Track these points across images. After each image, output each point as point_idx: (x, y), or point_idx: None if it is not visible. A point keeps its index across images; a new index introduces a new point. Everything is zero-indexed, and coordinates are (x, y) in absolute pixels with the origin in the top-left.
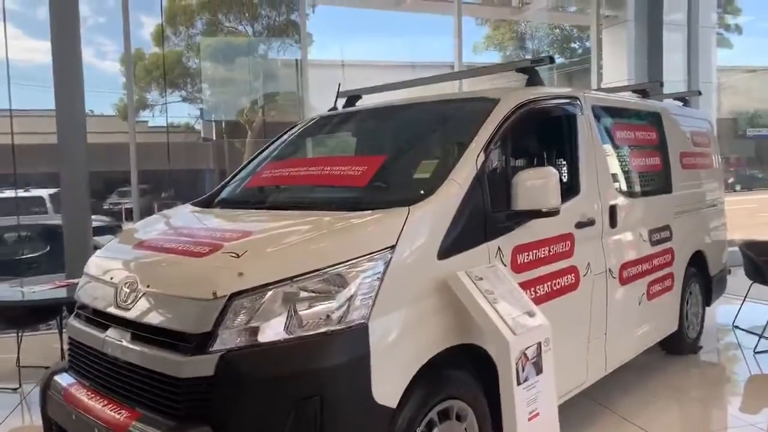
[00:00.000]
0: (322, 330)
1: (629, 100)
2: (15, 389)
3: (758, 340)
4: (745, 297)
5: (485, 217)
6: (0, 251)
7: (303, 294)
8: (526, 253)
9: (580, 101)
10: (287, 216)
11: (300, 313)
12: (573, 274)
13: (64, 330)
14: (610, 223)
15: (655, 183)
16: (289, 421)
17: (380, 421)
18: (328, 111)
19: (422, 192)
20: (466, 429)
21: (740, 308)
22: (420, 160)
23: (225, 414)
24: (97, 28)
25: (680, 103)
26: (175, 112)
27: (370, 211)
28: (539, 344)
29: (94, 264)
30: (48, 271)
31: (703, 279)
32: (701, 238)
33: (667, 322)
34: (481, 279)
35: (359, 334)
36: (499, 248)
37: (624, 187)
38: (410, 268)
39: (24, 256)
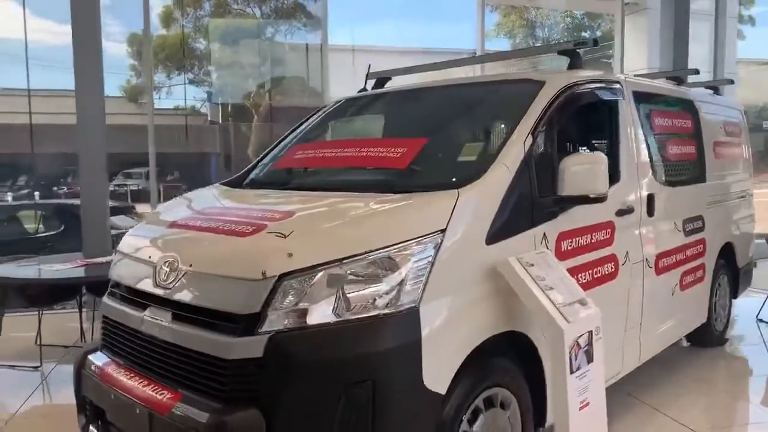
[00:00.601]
0: (373, 313)
1: (667, 86)
2: (36, 368)
3: None
4: None
5: (532, 202)
6: (16, 229)
7: (352, 276)
8: (570, 240)
9: (621, 86)
10: (328, 197)
11: (349, 295)
12: (612, 263)
13: (84, 309)
14: (648, 211)
15: (690, 172)
16: (341, 404)
17: (430, 407)
18: (359, 92)
19: (470, 175)
20: (509, 418)
21: (765, 301)
22: (463, 143)
23: (273, 396)
24: (101, 8)
25: (711, 92)
26: (181, 94)
27: (417, 194)
28: (590, 332)
29: (129, 242)
30: (62, 251)
31: (731, 271)
32: (731, 230)
33: (697, 314)
34: (532, 265)
35: (411, 318)
36: (544, 234)
37: (661, 176)
38: (460, 253)
39: (39, 235)
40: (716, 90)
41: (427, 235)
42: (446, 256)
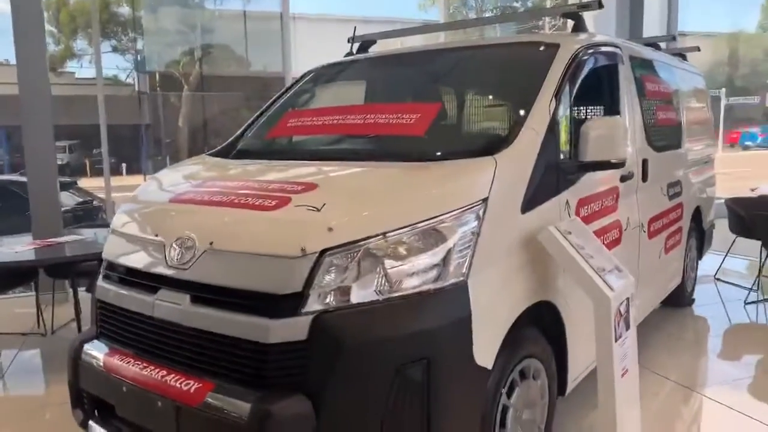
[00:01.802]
0: (422, 289)
1: (654, 52)
2: None
3: (748, 293)
4: (728, 250)
5: (557, 168)
6: None
7: (397, 250)
8: (586, 207)
9: (621, 50)
10: (346, 167)
11: (395, 270)
12: (618, 229)
13: (42, 293)
14: (642, 177)
15: (671, 137)
16: (394, 385)
17: (479, 383)
18: (345, 55)
19: (500, 141)
20: (540, 388)
21: (723, 261)
22: (482, 108)
23: (321, 381)
24: None
25: (680, 59)
26: (105, 63)
27: (449, 162)
28: (628, 299)
29: (126, 220)
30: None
31: (698, 233)
32: (701, 193)
33: (675, 276)
34: (570, 233)
35: (460, 292)
36: (567, 201)
37: (652, 141)
38: (500, 222)
39: None
40: (683, 57)
41: (471, 204)
42: (488, 226)
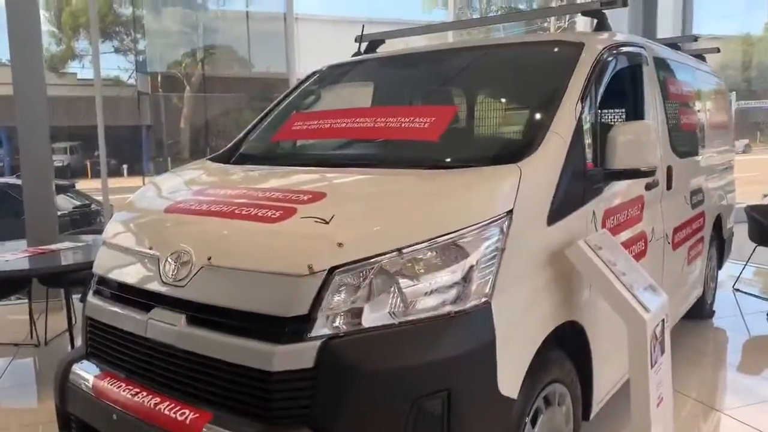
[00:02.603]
0: (442, 311)
1: (677, 53)
2: None
3: None
4: (749, 259)
5: (584, 177)
6: None
7: (414, 268)
8: (613, 218)
9: (645, 50)
10: (356, 174)
11: (412, 290)
12: (643, 240)
13: (35, 301)
14: (667, 185)
15: (693, 143)
16: (410, 419)
17: (504, 415)
18: (353, 56)
19: (523, 147)
20: (565, 414)
21: (742, 271)
22: (502, 111)
23: (329, 413)
24: None
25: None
26: (107, 63)
27: (469, 169)
28: (663, 321)
29: (117, 231)
30: None
31: (719, 242)
32: (721, 201)
33: (697, 287)
34: (600, 248)
35: (484, 314)
36: (593, 212)
37: (676, 146)
38: (526, 236)
39: None
40: (703, 59)
41: (495, 217)
42: (513, 240)
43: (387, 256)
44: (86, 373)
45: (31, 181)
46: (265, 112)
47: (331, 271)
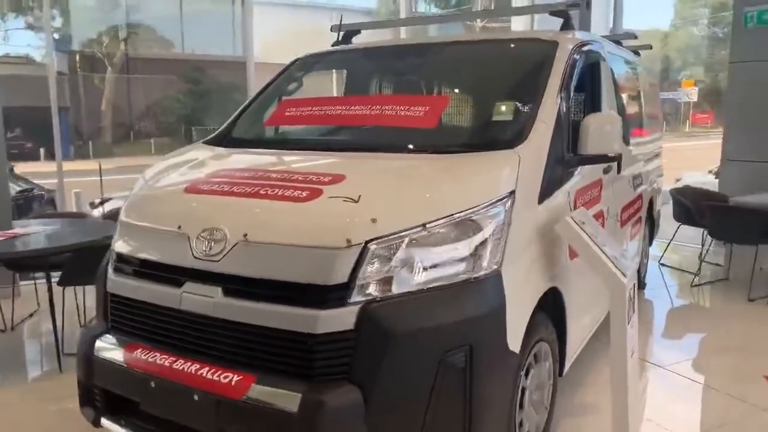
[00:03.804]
0: (461, 278)
1: (622, 50)
2: None
3: (694, 277)
4: (673, 237)
5: (562, 161)
6: None
7: (437, 240)
8: (581, 198)
9: (603, 46)
10: (367, 158)
11: (436, 260)
12: (602, 219)
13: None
14: (618, 168)
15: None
16: (439, 371)
17: (512, 367)
18: (333, 45)
19: (516, 134)
20: (548, 370)
21: (666, 247)
22: (489, 101)
23: (369, 369)
24: None
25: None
26: (17, 41)
27: (471, 154)
28: (635, 284)
29: (137, 211)
30: None
31: (650, 221)
32: (654, 183)
33: (636, 261)
34: (584, 223)
35: (496, 280)
36: (568, 192)
37: (623, 135)
38: (524, 213)
39: None
40: (637, 53)
41: (502, 197)
42: (516, 216)
43: (414, 230)
44: (114, 346)
45: None
46: (251, 98)
47: (366, 244)
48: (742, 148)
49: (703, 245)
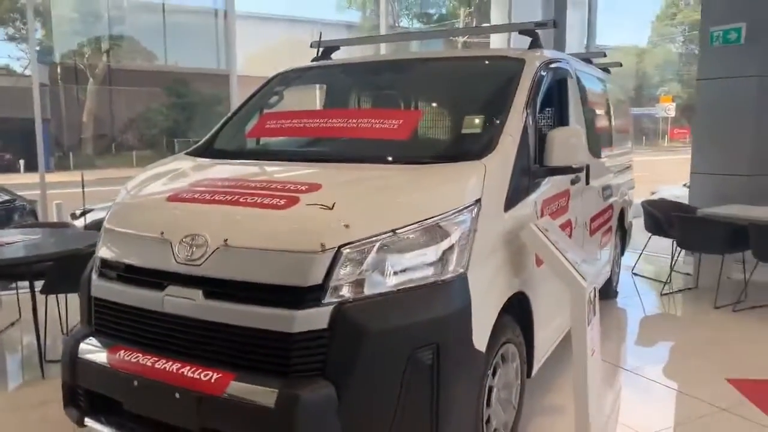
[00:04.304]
0: (429, 280)
1: (590, 67)
2: None
3: (663, 286)
4: (644, 248)
5: (529, 172)
6: None
7: (406, 245)
8: (548, 207)
9: (570, 65)
10: (342, 169)
11: (405, 263)
12: (569, 228)
13: None
14: (586, 180)
15: (604, 144)
16: (408, 368)
17: (478, 365)
18: (313, 59)
19: (483, 146)
20: (515, 371)
21: (639, 257)
22: (460, 115)
23: (341, 366)
24: None
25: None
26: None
27: (440, 165)
28: (595, 288)
29: (121, 218)
30: None
31: (622, 231)
32: (624, 195)
33: (607, 269)
34: (547, 230)
35: (462, 282)
36: (535, 202)
37: (591, 148)
38: (489, 220)
39: None
40: (608, 71)
41: (468, 204)
42: (482, 224)
43: (384, 235)
44: (98, 347)
45: None
46: (233, 111)
47: (340, 248)
48: (710, 161)
49: (673, 255)
